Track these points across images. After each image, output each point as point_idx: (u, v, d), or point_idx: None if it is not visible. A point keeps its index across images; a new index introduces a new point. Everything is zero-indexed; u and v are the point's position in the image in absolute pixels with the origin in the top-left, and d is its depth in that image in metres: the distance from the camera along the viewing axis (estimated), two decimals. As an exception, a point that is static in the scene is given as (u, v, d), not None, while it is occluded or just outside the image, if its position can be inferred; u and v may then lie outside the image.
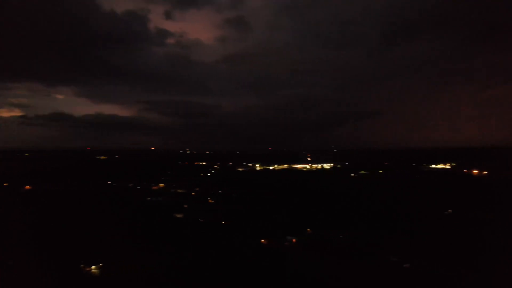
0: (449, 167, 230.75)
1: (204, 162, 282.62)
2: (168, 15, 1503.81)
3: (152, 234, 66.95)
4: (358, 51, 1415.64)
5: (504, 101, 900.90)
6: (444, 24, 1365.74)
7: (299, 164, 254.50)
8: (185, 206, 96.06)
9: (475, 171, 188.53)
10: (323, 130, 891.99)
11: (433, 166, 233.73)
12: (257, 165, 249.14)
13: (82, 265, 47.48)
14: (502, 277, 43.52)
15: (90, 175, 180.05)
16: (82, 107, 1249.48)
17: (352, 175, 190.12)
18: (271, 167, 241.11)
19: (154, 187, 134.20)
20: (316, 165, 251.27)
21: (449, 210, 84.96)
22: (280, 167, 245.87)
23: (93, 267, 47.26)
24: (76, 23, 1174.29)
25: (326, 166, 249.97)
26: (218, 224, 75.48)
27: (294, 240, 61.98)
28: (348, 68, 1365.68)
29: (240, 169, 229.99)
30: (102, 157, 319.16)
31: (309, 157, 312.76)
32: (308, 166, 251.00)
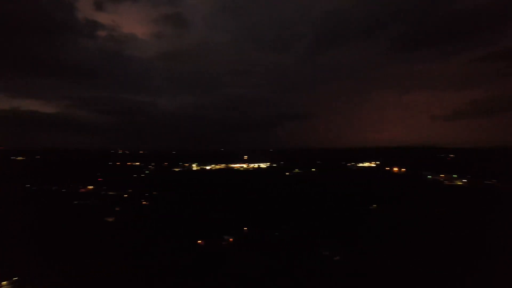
0: (374, 165, 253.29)
1: (137, 162, 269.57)
2: (99, 6, 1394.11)
3: (79, 240, 62.75)
4: (292, 55, 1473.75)
5: (420, 104, 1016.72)
6: (369, 33, 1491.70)
7: (236, 163, 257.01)
8: (117, 209, 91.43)
9: (395, 169, 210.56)
10: (260, 130, 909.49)
11: (360, 165, 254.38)
12: (194, 165, 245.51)
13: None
14: (417, 261, 50.06)
15: (2, 177, 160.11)
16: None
17: (287, 174, 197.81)
18: (208, 167, 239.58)
19: (82, 190, 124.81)
20: (253, 165, 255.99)
21: (374, 205, 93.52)
22: (218, 167, 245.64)
23: (4, 283, 42.62)
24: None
25: (263, 165, 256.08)
26: (153, 226, 73.31)
27: (231, 239, 63.07)
28: (283, 71, 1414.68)
29: (176, 170, 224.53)
30: (19, 158, 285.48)
31: (246, 156, 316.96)
32: (245, 165, 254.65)
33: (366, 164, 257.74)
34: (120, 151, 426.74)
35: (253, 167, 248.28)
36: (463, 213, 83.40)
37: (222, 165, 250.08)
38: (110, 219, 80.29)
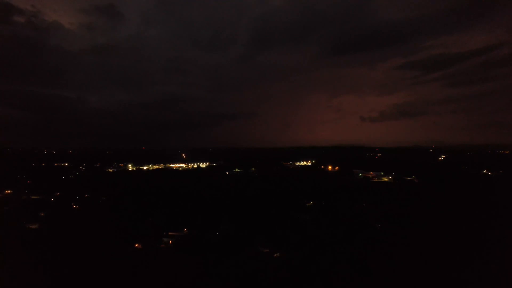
0: (310, 164, 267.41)
1: (66, 163, 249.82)
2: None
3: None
4: (228, 56, 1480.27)
5: (349, 106, 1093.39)
6: (303, 37, 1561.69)
7: (175, 163, 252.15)
8: (42, 214, 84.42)
9: (329, 167, 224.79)
10: (198, 129, 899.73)
11: (298, 163, 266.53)
12: (129, 165, 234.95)
13: None
14: (354, 253, 55.74)
15: None
16: None
17: (227, 173, 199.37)
18: (145, 167, 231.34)
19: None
20: (192, 164, 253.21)
21: (311, 202, 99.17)
22: (155, 167, 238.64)
23: None
24: None
25: (202, 165, 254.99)
26: (85, 231, 69.32)
27: (170, 241, 62.62)
28: (220, 71, 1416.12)
29: (110, 170, 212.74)
30: None
31: (184, 156, 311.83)
32: (184, 165, 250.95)
33: (303, 163, 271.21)
34: (45, 151, 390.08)
35: (192, 167, 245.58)
36: (389, 207, 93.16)
37: (160, 165, 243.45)
38: (33, 226, 73.95)
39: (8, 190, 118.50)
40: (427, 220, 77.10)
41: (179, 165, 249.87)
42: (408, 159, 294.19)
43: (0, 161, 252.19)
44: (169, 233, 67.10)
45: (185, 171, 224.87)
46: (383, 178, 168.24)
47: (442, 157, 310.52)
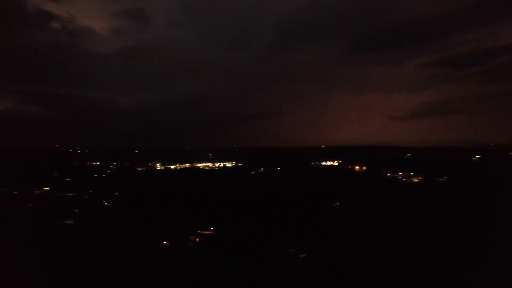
0: (337, 163, 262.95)
1: (98, 162, 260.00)
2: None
3: (36, 244, 60.50)
4: (252, 55, 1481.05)
5: (377, 105, 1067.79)
6: (326, 35, 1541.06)
7: (201, 162, 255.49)
8: (76, 211, 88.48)
9: (357, 167, 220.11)
10: (223, 129, 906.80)
11: (324, 163, 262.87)
12: (157, 164, 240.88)
13: None
14: (381, 256, 54.12)
15: None
16: None
17: (253, 172, 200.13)
18: (172, 166, 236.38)
19: (37, 192, 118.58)
20: (218, 164, 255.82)
21: (337, 203, 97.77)
22: (182, 166, 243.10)
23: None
24: None
25: (228, 164, 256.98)
26: (116, 228, 71.99)
27: (197, 239, 63.67)
28: (244, 71, 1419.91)
29: (140, 169, 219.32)
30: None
31: (211, 155, 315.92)
32: (210, 164, 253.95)
33: (329, 163, 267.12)
34: (79, 150, 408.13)
35: (218, 166, 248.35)
36: (419, 208, 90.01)
37: (187, 165, 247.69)
38: (69, 222, 77.69)
39: (46, 187, 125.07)
40: (461, 223, 73.63)
41: (205, 164, 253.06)
42: (440, 159, 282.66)
43: (37, 159, 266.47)
44: (197, 231, 68.14)
45: (211, 170, 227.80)
46: (413, 178, 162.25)
47: (477, 157, 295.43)
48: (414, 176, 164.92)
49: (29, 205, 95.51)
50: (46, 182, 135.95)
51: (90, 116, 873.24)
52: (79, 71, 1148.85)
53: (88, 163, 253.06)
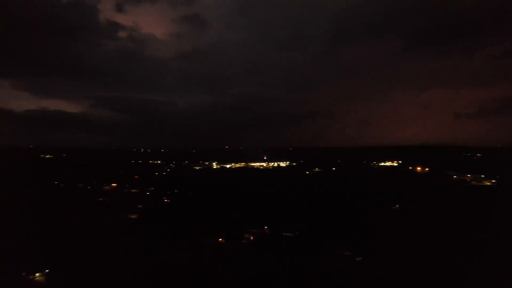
0: (396, 164, 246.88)
1: (159, 160, 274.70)
2: (119, 8, 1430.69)
3: (103, 236, 64.26)
4: (307, 54, 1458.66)
5: (441, 102, 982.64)
6: (384, 30, 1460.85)
7: (256, 162, 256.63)
8: (140, 206, 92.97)
9: (418, 168, 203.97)
10: (277, 129, 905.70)
11: (382, 164, 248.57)
12: (214, 163, 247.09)
13: (24, 273, 44.17)
14: (442, 263, 48.68)
15: (34, 175, 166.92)
16: (22, 101, 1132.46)
17: (307, 172, 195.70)
18: (228, 166, 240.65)
19: (106, 187, 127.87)
20: (272, 163, 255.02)
21: (396, 206, 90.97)
22: (237, 165, 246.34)
23: (37, 274, 44.15)
24: (15, 11, 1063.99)
25: (282, 164, 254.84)
26: (175, 224, 74.00)
27: (252, 238, 62.76)
28: (299, 70, 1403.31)
29: (197, 168, 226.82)
30: (48, 156, 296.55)
31: (265, 155, 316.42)
32: (264, 164, 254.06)
33: (388, 163, 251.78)
34: (142, 150, 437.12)
35: (272, 166, 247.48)
36: (493, 215, 79.64)
37: (242, 164, 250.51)
38: (133, 216, 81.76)
39: (114, 183, 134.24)
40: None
41: (259, 164, 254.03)
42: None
43: (106, 158, 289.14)
44: (251, 230, 67.25)
45: (266, 170, 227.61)
46: (484, 181, 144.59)
47: None
48: (485, 179, 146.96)
49: (100, 199, 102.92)
50: (113, 179, 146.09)
51: (152, 117, 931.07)
52: (142, 76, 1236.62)
53: (150, 161, 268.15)
